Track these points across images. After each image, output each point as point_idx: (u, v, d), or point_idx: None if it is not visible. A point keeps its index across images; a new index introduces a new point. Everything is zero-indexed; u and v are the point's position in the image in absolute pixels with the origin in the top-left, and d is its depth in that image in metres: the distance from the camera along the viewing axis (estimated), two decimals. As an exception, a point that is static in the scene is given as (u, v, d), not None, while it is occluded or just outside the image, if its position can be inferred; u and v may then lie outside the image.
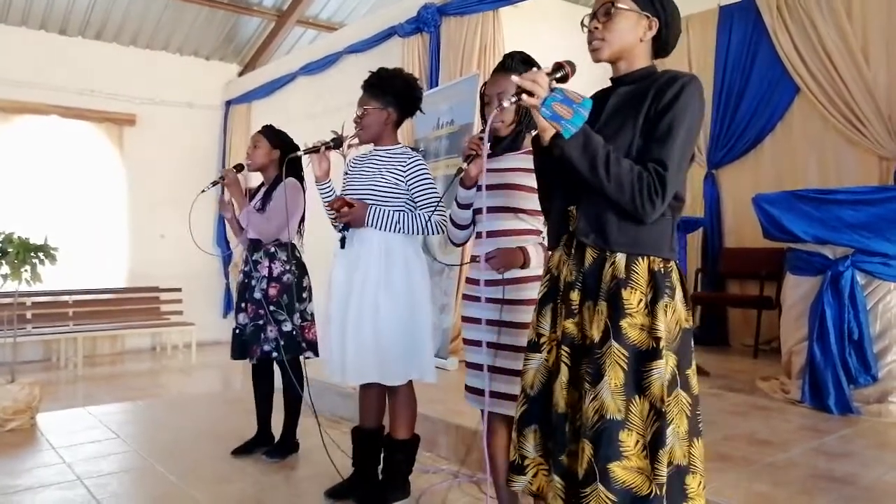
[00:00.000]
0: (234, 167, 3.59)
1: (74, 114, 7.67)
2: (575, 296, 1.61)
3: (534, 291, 2.22)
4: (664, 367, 1.51)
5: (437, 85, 5.50)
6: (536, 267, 2.22)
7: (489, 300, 2.26)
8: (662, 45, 1.70)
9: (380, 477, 2.97)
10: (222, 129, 8.81)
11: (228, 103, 8.74)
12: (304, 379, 3.47)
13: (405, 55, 5.79)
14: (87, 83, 7.75)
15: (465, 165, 2.24)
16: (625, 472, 1.48)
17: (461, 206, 2.38)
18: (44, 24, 7.50)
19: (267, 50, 8.49)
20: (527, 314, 2.21)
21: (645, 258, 1.57)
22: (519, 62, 2.26)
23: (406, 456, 2.90)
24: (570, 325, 1.61)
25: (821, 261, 3.75)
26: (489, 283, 2.26)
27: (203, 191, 3.63)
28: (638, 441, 1.50)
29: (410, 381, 2.81)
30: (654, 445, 1.49)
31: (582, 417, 1.54)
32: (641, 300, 1.54)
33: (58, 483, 3.29)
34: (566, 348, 1.61)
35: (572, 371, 1.61)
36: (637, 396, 1.52)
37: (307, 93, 7.33)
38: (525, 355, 1.74)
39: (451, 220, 2.46)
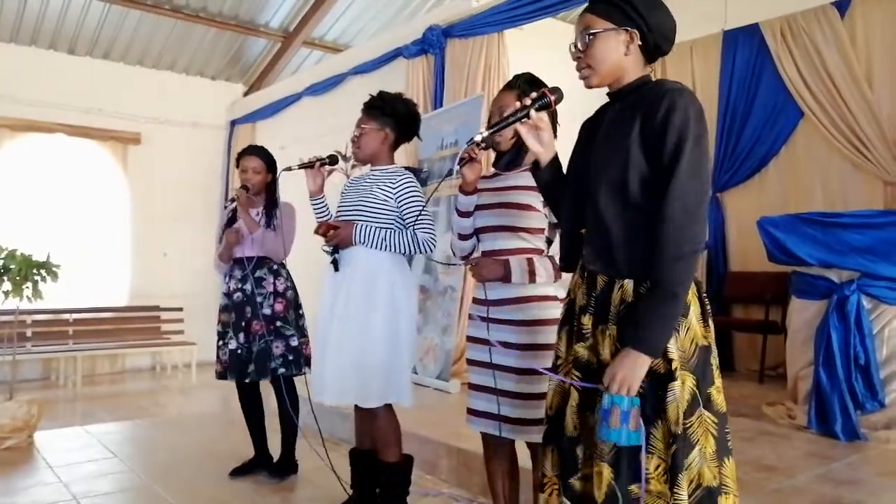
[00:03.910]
0: (242, 188, 3.62)
1: (80, 132, 7.70)
2: (587, 320, 1.60)
3: (539, 312, 2.21)
4: (679, 389, 1.48)
5: (441, 106, 5.52)
6: (520, 282, 2.18)
7: (493, 320, 2.23)
8: (654, 48, 1.63)
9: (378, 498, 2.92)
10: (226, 149, 8.81)
11: (233, 123, 8.76)
12: (297, 398, 3.54)
13: (410, 76, 5.82)
14: (93, 102, 7.80)
15: (457, 168, 2.21)
16: (645, 495, 1.47)
17: (461, 214, 2.33)
18: (53, 44, 7.56)
19: (272, 70, 8.54)
20: (529, 335, 2.18)
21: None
22: (525, 82, 2.26)
23: (400, 478, 2.84)
24: (581, 350, 1.60)
25: (826, 284, 3.72)
26: (495, 302, 2.23)
27: (225, 207, 3.91)
28: (659, 465, 1.48)
29: (390, 404, 2.75)
30: (672, 470, 1.47)
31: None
32: None
33: (54, 502, 3.25)
34: (577, 372, 1.59)
35: (584, 395, 1.58)
36: (658, 420, 1.49)
37: (312, 113, 7.35)
38: (549, 377, 1.73)
39: (454, 231, 2.42)
